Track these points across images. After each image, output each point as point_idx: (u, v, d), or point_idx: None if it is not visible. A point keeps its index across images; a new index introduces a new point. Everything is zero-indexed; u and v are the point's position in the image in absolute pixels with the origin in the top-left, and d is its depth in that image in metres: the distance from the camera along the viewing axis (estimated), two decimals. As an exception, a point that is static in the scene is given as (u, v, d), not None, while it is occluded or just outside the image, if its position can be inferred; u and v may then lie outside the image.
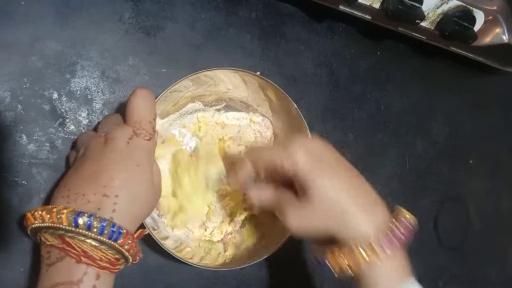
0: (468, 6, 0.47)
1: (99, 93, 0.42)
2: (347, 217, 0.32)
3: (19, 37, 0.40)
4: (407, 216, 0.34)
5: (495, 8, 0.48)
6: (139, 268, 0.42)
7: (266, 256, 0.41)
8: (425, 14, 0.47)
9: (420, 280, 0.35)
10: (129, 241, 0.29)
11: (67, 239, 0.28)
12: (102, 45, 0.42)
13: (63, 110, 0.41)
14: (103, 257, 0.28)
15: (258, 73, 0.49)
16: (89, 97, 0.42)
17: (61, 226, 0.28)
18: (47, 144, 0.40)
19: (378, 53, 0.55)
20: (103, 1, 0.43)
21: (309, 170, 0.33)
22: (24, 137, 0.39)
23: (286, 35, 0.50)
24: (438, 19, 0.48)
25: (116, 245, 0.29)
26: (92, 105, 0.42)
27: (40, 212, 0.29)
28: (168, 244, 0.40)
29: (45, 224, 0.28)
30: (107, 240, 0.28)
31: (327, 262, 0.34)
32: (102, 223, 0.28)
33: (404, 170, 0.55)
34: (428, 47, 0.52)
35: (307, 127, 0.43)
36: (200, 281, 0.45)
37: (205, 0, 0.47)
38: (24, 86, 0.40)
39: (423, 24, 0.49)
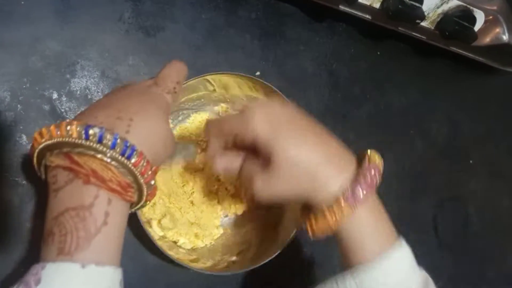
0: (468, 6, 0.47)
1: (99, 93, 0.42)
2: (313, 177, 0.31)
3: (19, 37, 0.40)
4: (374, 160, 0.32)
5: (495, 8, 0.48)
6: (139, 267, 0.43)
7: (265, 262, 0.40)
8: (425, 14, 0.47)
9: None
10: (143, 163, 0.27)
11: (75, 157, 0.26)
12: (102, 45, 0.42)
13: (63, 110, 0.41)
14: (113, 178, 0.26)
15: (258, 73, 0.49)
16: (89, 97, 0.42)
17: (69, 140, 0.26)
18: (47, 144, 0.40)
19: (378, 53, 0.55)
20: (103, 1, 0.43)
21: (268, 135, 0.31)
22: (24, 137, 0.39)
23: (286, 35, 0.50)
24: (438, 19, 0.48)
25: (129, 164, 0.26)
26: (92, 105, 0.42)
27: (48, 128, 0.26)
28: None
29: (53, 141, 0.26)
30: (119, 157, 0.26)
31: (304, 227, 0.32)
32: (115, 136, 0.26)
33: (403, 170, 0.55)
34: (428, 47, 0.52)
35: None
36: (201, 280, 0.45)
37: (205, 1, 0.47)
38: (24, 86, 0.40)
39: (423, 24, 0.49)
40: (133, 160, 0.26)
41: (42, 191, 0.39)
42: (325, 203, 0.30)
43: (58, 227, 0.25)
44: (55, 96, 0.41)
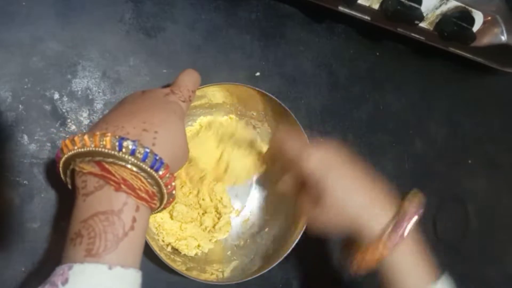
0: (467, 7, 0.47)
1: (100, 94, 0.42)
2: (358, 216, 0.35)
3: (21, 37, 0.40)
4: (415, 199, 0.35)
5: (493, 9, 0.49)
6: (141, 268, 0.42)
7: (261, 273, 0.40)
8: (424, 14, 0.47)
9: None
10: (168, 175, 0.29)
11: (106, 166, 0.27)
12: (103, 45, 0.43)
13: (64, 110, 0.41)
14: (142, 187, 0.28)
15: (258, 74, 0.49)
16: (90, 97, 0.42)
17: (103, 150, 0.27)
18: (48, 144, 0.40)
19: (377, 53, 0.55)
20: (104, 2, 0.43)
21: (321, 174, 0.35)
22: (26, 137, 0.39)
23: (285, 36, 0.50)
24: (437, 20, 0.49)
25: (156, 176, 0.28)
26: (93, 105, 0.42)
27: (81, 137, 0.27)
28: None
29: (85, 149, 0.27)
30: (148, 168, 0.27)
31: (347, 263, 0.36)
32: (146, 150, 0.27)
33: (403, 170, 0.55)
34: (427, 48, 0.53)
35: (305, 135, 0.43)
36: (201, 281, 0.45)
37: (205, 1, 0.47)
38: (25, 87, 0.40)
39: (422, 24, 0.49)
40: (160, 172, 0.28)
41: (43, 191, 0.40)
42: (369, 240, 0.34)
43: (87, 229, 0.26)
44: (56, 96, 0.41)
